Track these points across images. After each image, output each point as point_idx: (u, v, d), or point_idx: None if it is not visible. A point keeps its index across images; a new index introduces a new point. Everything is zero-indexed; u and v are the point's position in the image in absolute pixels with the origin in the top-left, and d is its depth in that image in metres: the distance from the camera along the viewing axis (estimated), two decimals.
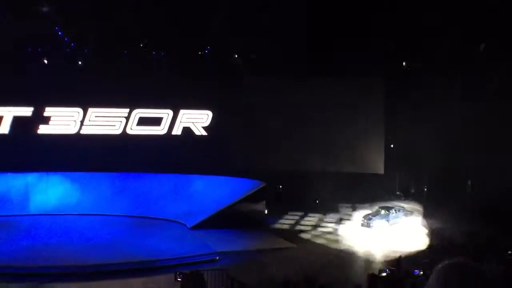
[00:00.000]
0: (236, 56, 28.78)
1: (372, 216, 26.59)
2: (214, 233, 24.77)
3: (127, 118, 29.51)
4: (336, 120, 30.38)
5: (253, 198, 27.11)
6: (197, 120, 30.14)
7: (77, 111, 28.87)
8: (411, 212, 28.10)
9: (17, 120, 27.87)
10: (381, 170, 30.90)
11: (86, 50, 27.80)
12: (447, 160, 27.69)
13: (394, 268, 14.89)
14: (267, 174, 27.46)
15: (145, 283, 18.56)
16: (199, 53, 27.73)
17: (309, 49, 26.52)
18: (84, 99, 28.57)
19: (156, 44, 26.80)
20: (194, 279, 4.97)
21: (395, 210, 27.16)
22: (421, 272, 13.40)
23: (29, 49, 26.88)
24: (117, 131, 29.45)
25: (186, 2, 23.69)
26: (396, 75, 29.82)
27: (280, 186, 29.81)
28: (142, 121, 29.74)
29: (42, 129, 28.42)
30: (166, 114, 29.89)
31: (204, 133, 30.06)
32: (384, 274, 13.56)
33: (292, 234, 25.41)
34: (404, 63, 30.13)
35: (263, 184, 27.30)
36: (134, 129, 29.64)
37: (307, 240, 24.50)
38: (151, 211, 28.03)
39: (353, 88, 30.42)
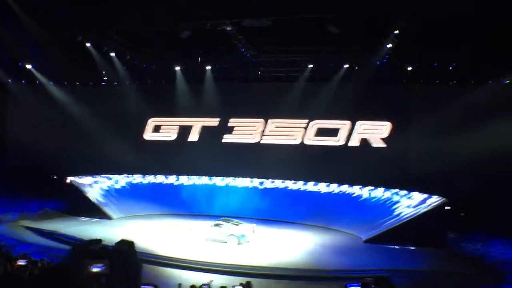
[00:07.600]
0: (416, 64, 27.36)
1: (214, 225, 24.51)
2: (388, 248, 23.86)
3: (305, 128, 30.12)
4: None
5: (432, 214, 25.26)
6: (375, 131, 29.31)
7: (258, 122, 30.47)
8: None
9: (205, 130, 30.52)
10: None
11: (267, 65, 29.06)
12: None
13: None
14: (448, 190, 25.29)
15: None
16: (377, 63, 26.99)
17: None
18: (265, 111, 30.02)
19: (336, 53, 26.93)
20: (385, 282, 5.89)
21: (223, 226, 24.03)
22: None
23: (216, 66, 29.21)
24: (295, 141, 30.24)
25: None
26: None
27: (461, 202, 26.60)
28: (320, 132, 30.05)
29: (226, 138, 30.65)
30: (343, 125, 29.77)
31: (383, 144, 29.10)
32: None
33: (476, 257, 23.02)
34: None
35: (444, 200, 25.33)
36: (312, 140, 30.10)
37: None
38: (325, 221, 28.16)
39: None
